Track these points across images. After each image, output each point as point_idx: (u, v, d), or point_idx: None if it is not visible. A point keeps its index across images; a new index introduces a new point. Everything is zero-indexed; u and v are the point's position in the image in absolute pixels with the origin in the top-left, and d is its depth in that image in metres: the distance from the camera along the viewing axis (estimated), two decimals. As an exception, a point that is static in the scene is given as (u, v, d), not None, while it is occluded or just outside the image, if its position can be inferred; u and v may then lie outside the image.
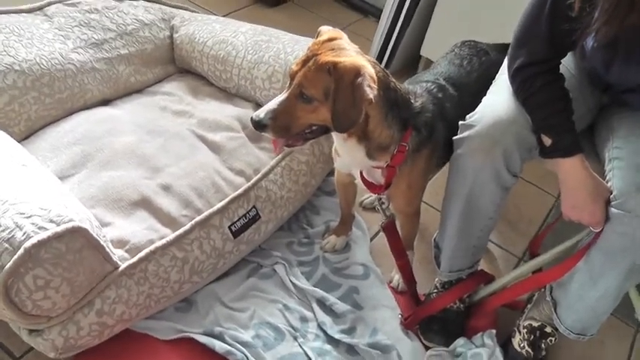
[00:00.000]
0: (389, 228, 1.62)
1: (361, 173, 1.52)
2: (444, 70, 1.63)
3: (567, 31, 1.25)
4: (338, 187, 1.78)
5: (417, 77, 1.64)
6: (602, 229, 1.33)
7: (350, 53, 1.29)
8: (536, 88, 1.33)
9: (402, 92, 1.39)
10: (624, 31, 1.17)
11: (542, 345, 1.61)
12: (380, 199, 1.59)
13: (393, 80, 1.37)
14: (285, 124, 1.29)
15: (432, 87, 1.52)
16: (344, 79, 1.22)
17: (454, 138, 1.43)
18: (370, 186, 1.52)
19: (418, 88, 1.50)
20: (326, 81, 1.24)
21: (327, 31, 1.36)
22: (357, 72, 1.23)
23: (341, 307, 1.63)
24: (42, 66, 1.64)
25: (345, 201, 1.79)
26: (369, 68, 1.25)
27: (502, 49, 1.75)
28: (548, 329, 1.60)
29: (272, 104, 1.29)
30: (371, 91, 1.23)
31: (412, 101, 1.42)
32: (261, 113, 1.28)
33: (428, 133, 1.43)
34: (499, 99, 1.41)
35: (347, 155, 1.46)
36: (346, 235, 1.84)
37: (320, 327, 1.60)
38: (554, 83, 1.34)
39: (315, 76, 1.25)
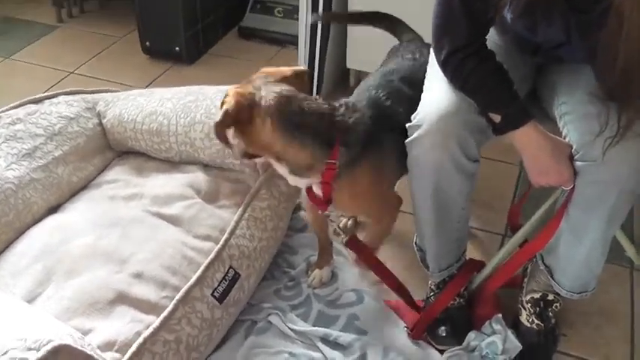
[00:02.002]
0: (351, 244, 1.62)
1: (309, 190, 1.53)
2: (397, 68, 1.64)
3: (482, 10, 1.26)
4: (310, 219, 1.76)
5: (367, 81, 1.62)
6: (573, 186, 1.34)
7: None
8: (468, 73, 1.33)
9: (317, 113, 1.40)
10: None
11: (550, 313, 1.62)
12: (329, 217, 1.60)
13: (307, 104, 1.40)
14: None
15: (381, 95, 1.52)
16: None
17: (406, 142, 1.42)
18: (315, 201, 1.53)
19: (358, 103, 1.49)
20: None
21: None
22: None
23: (346, 337, 1.61)
24: (-19, 194, 1.60)
25: (319, 230, 1.77)
26: (229, 99, 1.39)
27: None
28: (550, 297, 1.60)
29: None
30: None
31: (339, 119, 1.42)
32: None
33: (363, 148, 1.43)
34: (437, 92, 1.41)
35: (281, 172, 1.49)
36: (329, 265, 1.81)
37: (331, 364, 1.56)
38: (485, 63, 1.34)
39: None
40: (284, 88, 1.42)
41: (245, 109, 1.38)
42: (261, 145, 1.42)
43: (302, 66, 1.56)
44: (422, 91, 1.48)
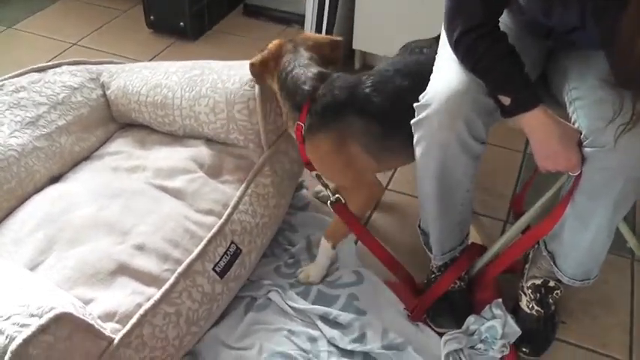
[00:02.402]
0: (337, 207, 1.64)
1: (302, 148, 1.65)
2: (398, 60, 1.67)
3: None
4: None
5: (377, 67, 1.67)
6: (580, 172, 1.33)
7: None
8: (480, 54, 1.32)
9: (294, 79, 1.59)
10: None
11: (550, 300, 1.62)
12: (317, 175, 1.69)
13: (298, 69, 1.60)
14: None
15: (366, 80, 1.56)
16: None
17: (412, 122, 1.42)
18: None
19: (338, 81, 1.57)
20: None
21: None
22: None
23: (345, 317, 1.61)
24: (-16, 161, 1.59)
25: None
26: (270, 46, 1.68)
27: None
28: (551, 283, 1.60)
29: None
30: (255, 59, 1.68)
31: (306, 87, 1.57)
32: None
33: (320, 120, 1.56)
34: (447, 72, 1.40)
35: None
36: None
37: (330, 343, 1.57)
38: (497, 44, 1.33)
39: None
40: (301, 51, 1.65)
41: (274, 59, 1.65)
42: (273, 85, 1.68)
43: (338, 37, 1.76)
44: (418, 83, 1.47)
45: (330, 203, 1.65)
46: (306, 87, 1.57)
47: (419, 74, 1.51)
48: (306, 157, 1.64)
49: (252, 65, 1.68)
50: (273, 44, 1.68)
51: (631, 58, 1.13)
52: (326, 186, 1.67)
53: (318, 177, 1.69)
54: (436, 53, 1.53)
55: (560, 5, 1.29)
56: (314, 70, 1.60)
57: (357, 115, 1.54)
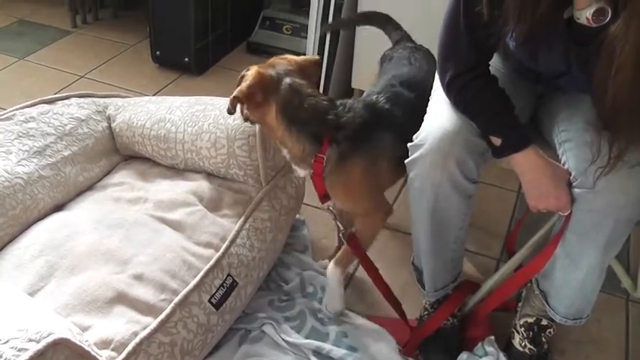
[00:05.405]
0: (350, 239, 1.64)
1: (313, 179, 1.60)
2: (396, 74, 1.71)
3: (486, 37, 1.29)
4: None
5: (371, 88, 1.70)
6: (570, 212, 1.36)
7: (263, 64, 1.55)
8: (472, 96, 1.37)
9: (313, 110, 1.50)
10: (538, 24, 1.21)
11: (543, 338, 1.63)
12: (330, 210, 1.66)
13: (308, 100, 1.51)
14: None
15: (380, 98, 1.59)
16: None
17: (406, 161, 1.45)
18: (317, 191, 1.61)
19: (357, 103, 1.58)
20: None
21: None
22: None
23: (337, 352, 1.62)
24: (-10, 187, 1.62)
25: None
26: (250, 76, 1.49)
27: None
28: (544, 322, 1.61)
29: None
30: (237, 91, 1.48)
31: (332, 117, 1.51)
32: None
33: (353, 145, 1.52)
34: (440, 113, 1.44)
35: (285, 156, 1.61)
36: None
37: (323, 376, 1.57)
38: (488, 86, 1.38)
39: None
40: (297, 80, 1.52)
41: (260, 91, 1.49)
42: (266, 126, 1.56)
43: (316, 55, 1.70)
44: (422, 94, 1.53)
45: (344, 236, 1.65)
46: (330, 116, 1.51)
47: (419, 85, 1.61)
48: (323, 189, 1.59)
49: (235, 99, 1.48)
50: (252, 74, 1.49)
51: (604, 101, 1.17)
52: (336, 219, 1.67)
53: (331, 210, 1.67)
54: (422, 61, 1.58)
55: (546, 51, 1.34)
56: (324, 97, 1.54)
57: (386, 131, 1.56)
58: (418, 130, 1.45)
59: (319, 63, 1.66)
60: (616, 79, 1.12)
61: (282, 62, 1.56)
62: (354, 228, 1.66)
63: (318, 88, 1.60)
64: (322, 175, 1.55)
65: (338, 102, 1.56)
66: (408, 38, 1.94)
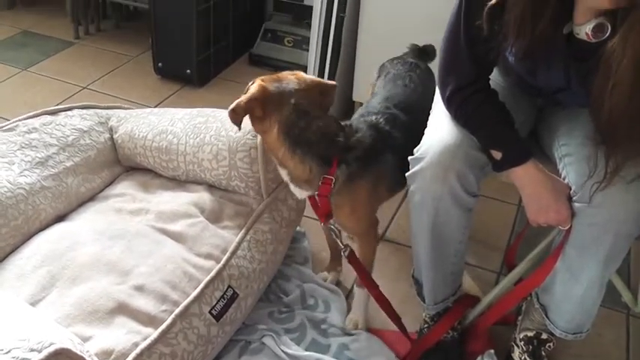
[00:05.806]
0: (352, 259, 1.64)
1: (312, 200, 1.59)
2: (391, 95, 1.73)
3: (486, 51, 1.31)
4: (323, 228, 1.82)
5: (368, 107, 1.71)
6: (570, 226, 1.37)
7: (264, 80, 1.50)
8: (472, 110, 1.38)
9: (321, 133, 1.48)
10: (538, 40, 1.23)
11: (543, 352, 1.62)
12: (332, 229, 1.63)
13: (315, 122, 1.48)
14: None
15: (380, 119, 1.61)
16: None
17: (407, 174, 1.46)
18: (317, 212, 1.60)
19: (361, 124, 1.59)
20: None
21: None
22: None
23: (338, 365, 1.62)
24: (-7, 198, 1.63)
25: (329, 239, 1.88)
26: (253, 89, 1.46)
27: (418, 53, 1.94)
28: (544, 336, 1.61)
29: None
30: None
31: (341, 139, 1.51)
32: None
33: (362, 166, 1.52)
34: (440, 127, 1.45)
35: (283, 177, 1.59)
36: (336, 272, 1.91)
37: (322, 389, 1.58)
38: (488, 100, 1.39)
39: None
40: (302, 101, 1.48)
41: (260, 106, 1.46)
42: (266, 143, 1.54)
43: (333, 81, 1.60)
44: (416, 117, 1.55)
45: (344, 253, 1.64)
46: (340, 138, 1.50)
47: (413, 107, 1.65)
48: (328, 209, 1.57)
49: (232, 112, 1.45)
50: (254, 88, 1.47)
51: (601, 116, 1.18)
52: (338, 237, 1.65)
53: (333, 229, 1.64)
54: (417, 82, 1.60)
55: (545, 66, 1.35)
56: (330, 118, 1.53)
57: (390, 153, 1.58)
58: (412, 150, 1.47)
59: (329, 88, 1.56)
60: (613, 93, 1.14)
61: (291, 79, 1.51)
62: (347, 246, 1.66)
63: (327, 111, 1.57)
64: (327, 196, 1.53)
65: (342, 123, 1.56)
66: (414, 52, 1.96)
